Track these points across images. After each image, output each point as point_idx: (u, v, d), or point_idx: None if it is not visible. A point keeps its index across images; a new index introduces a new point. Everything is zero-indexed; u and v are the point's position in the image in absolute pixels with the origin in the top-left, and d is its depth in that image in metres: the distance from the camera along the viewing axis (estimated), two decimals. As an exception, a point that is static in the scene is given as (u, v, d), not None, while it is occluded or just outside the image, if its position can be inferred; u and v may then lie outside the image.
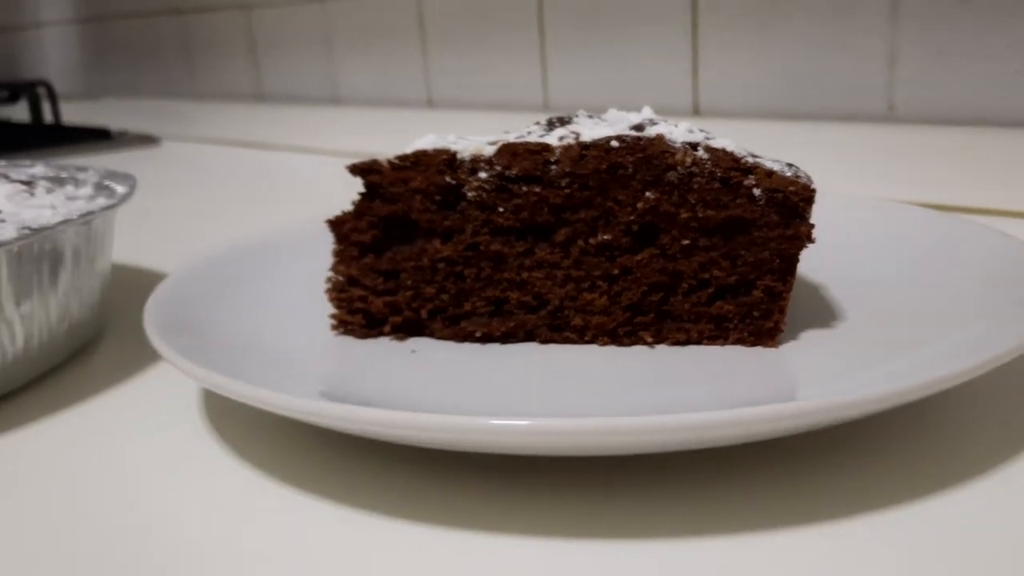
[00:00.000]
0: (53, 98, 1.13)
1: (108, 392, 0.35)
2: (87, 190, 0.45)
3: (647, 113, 0.36)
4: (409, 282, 0.35)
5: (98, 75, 1.39)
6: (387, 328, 0.35)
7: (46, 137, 1.09)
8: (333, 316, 0.36)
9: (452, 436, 0.23)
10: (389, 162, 0.34)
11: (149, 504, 0.27)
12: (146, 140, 1.11)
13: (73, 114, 1.21)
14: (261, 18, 1.07)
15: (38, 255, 0.35)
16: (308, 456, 0.28)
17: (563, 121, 0.37)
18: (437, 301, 0.35)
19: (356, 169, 0.34)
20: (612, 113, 0.37)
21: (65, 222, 0.35)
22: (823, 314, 0.35)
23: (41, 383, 0.36)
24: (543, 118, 0.39)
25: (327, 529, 0.24)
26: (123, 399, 0.34)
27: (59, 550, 0.24)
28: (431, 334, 0.35)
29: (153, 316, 0.32)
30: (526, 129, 0.36)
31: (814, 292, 0.37)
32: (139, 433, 0.31)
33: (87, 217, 0.37)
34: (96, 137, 1.09)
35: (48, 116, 1.13)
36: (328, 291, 0.36)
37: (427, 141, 0.35)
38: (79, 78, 1.41)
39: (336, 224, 0.35)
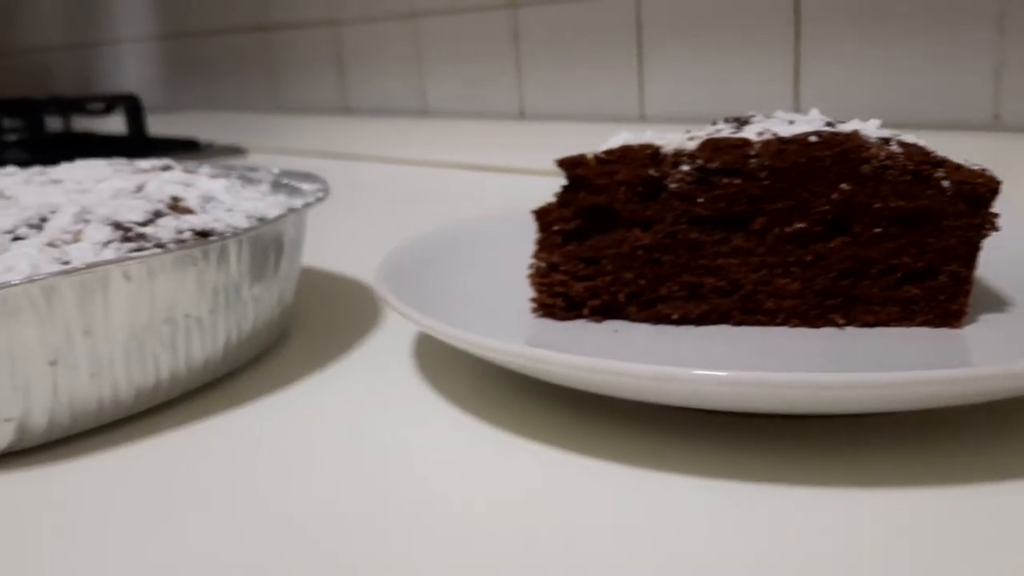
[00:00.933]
0: (140, 111, 1.17)
1: (320, 370, 0.38)
2: (264, 188, 0.48)
3: (815, 115, 0.39)
4: (609, 267, 0.38)
5: (176, 90, 1.43)
6: (585, 311, 0.38)
7: (140, 147, 1.12)
8: (533, 300, 0.39)
9: (679, 386, 0.27)
10: (595, 156, 0.37)
11: (395, 462, 0.29)
12: (233, 151, 1.15)
13: (155, 126, 1.25)
14: (349, 34, 1.11)
15: (267, 242, 0.38)
16: (548, 414, 0.31)
17: (741, 120, 0.39)
18: (635, 285, 0.38)
19: (563, 163, 0.37)
20: (780, 114, 0.40)
21: (291, 211, 0.38)
22: (1002, 298, 0.37)
23: (254, 364, 0.39)
24: (720, 120, 0.41)
25: (575, 478, 0.27)
26: (335, 374, 0.37)
27: (330, 511, 0.27)
28: (627, 317, 0.38)
29: (384, 280, 0.36)
30: (711, 129, 0.39)
31: (992, 278, 0.39)
32: (363, 401, 0.34)
33: (304, 208, 0.40)
34: (186, 148, 1.13)
35: (133, 128, 1.17)
36: (531, 276, 0.39)
37: (621, 139, 0.38)
38: (156, 92, 1.45)
39: (541, 214, 0.38)
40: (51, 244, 0.32)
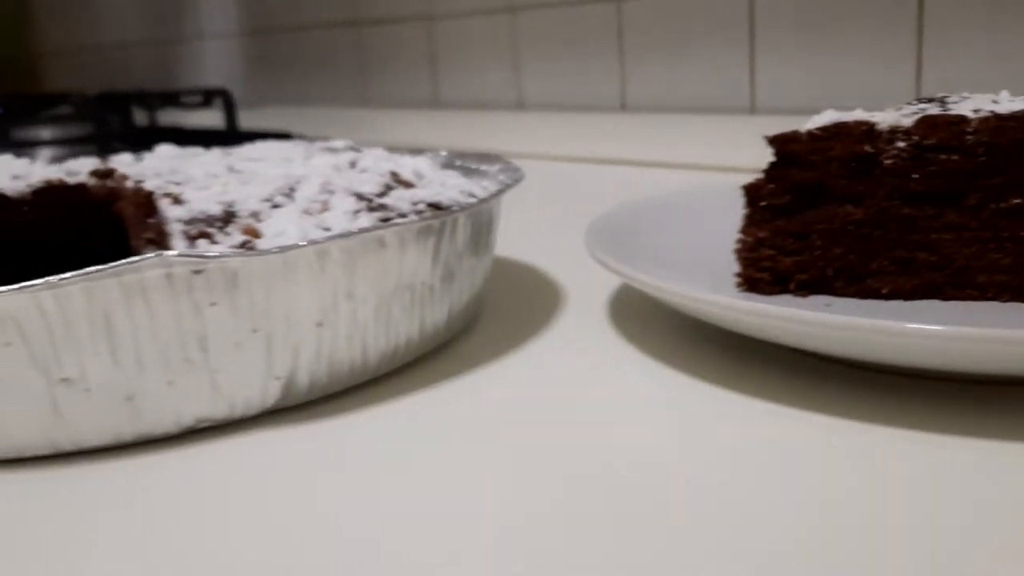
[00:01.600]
0: (234, 105, 1.19)
1: (523, 345, 0.39)
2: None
3: (1006, 96, 0.40)
4: (818, 243, 0.38)
5: (259, 84, 1.45)
6: (792, 285, 0.39)
7: (235, 141, 1.14)
8: (739, 274, 0.40)
9: (910, 340, 0.28)
10: (809, 133, 0.38)
11: (617, 431, 0.30)
12: (324, 144, 1.16)
13: (244, 120, 1.27)
14: (443, 28, 1.13)
15: (483, 217, 0.39)
16: (773, 377, 0.32)
17: (939, 100, 0.40)
18: (844, 260, 0.38)
19: (775, 140, 0.38)
20: (975, 96, 0.40)
21: (506, 187, 0.40)
22: None
23: (464, 335, 0.40)
24: (913, 99, 0.42)
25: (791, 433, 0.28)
26: (538, 349, 0.38)
27: (554, 475, 0.28)
28: (833, 292, 0.39)
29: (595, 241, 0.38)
30: (912, 108, 0.40)
31: None
32: (574, 365, 0.35)
33: (511, 185, 0.41)
34: (278, 140, 1.14)
35: (222, 122, 1.19)
36: (737, 251, 0.39)
37: (826, 117, 0.39)
38: (238, 87, 1.48)
39: (751, 189, 0.39)
40: (306, 212, 0.34)
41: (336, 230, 0.33)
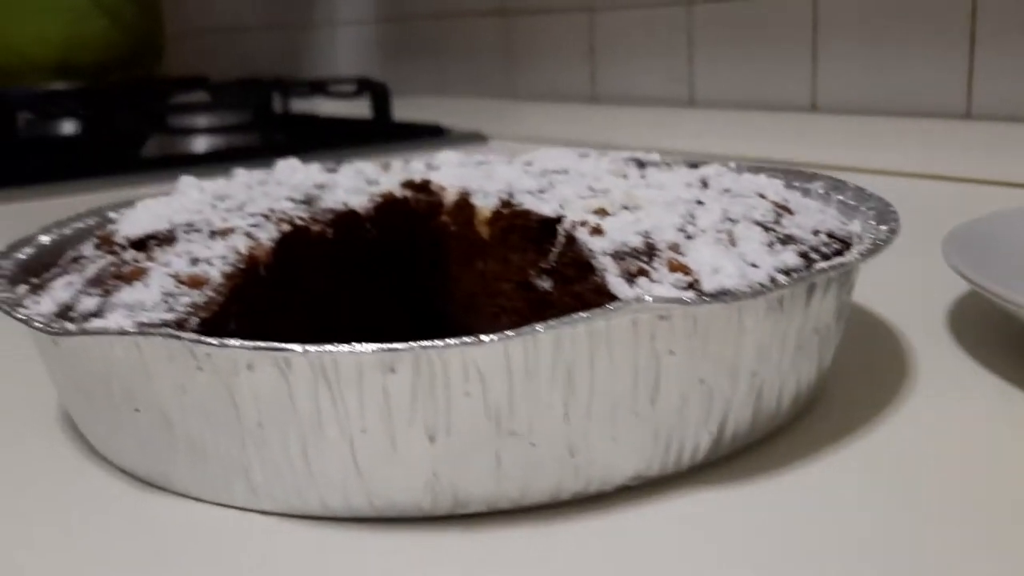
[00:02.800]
0: (388, 95, 1.16)
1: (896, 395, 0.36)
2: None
3: None
4: None
5: (399, 73, 1.43)
6: None
7: (384, 132, 1.12)
8: None
9: None
10: None
11: None
12: (474, 137, 1.13)
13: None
14: (603, 20, 1.09)
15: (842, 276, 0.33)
16: None
17: None
18: None
19: None
20: None
21: (891, 233, 0.34)
22: None
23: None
24: None
25: None
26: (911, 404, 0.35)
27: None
28: None
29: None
30: None
31: None
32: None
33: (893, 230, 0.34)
34: (430, 134, 1.12)
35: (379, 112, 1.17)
36: None
37: None
38: (375, 75, 1.46)
39: None
40: (719, 243, 0.31)
41: (763, 266, 0.30)
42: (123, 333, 0.26)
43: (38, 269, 0.37)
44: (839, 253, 0.32)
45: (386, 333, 0.37)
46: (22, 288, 0.33)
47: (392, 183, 0.43)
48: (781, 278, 0.29)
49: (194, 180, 0.42)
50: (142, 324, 0.28)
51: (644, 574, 0.24)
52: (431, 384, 0.25)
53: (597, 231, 0.30)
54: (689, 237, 0.31)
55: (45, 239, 0.39)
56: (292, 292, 0.33)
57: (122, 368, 0.27)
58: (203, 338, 0.25)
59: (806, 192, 0.43)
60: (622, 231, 0.30)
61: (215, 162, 0.97)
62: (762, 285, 0.27)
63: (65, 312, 0.30)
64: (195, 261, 0.30)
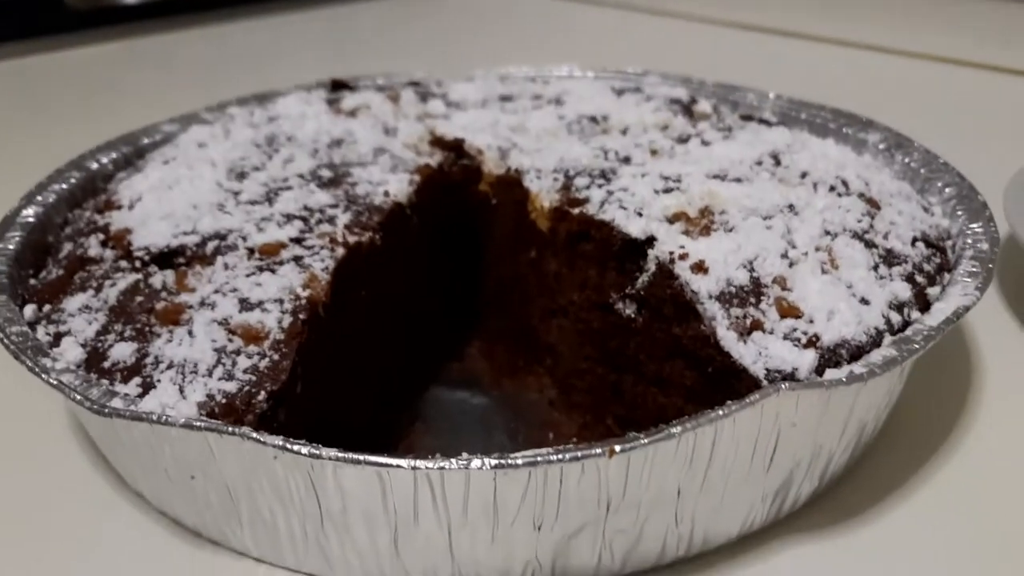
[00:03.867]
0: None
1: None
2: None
3: None
4: None
5: None
6: None
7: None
8: None
9: None
10: None
11: None
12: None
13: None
14: None
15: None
16: None
17: None
18: None
19: None
20: None
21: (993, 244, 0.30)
22: None
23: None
24: None
25: None
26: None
27: None
28: None
29: None
30: None
31: None
32: None
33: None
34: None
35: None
36: None
37: None
38: None
39: None
40: (823, 272, 0.28)
41: (875, 301, 0.27)
42: (191, 427, 0.22)
43: (34, 261, 0.32)
44: (941, 268, 0.30)
45: (421, 317, 0.34)
46: (29, 309, 0.29)
47: (413, 132, 0.38)
48: (895, 317, 0.27)
49: (195, 137, 0.37)
50: (208, 406, 0.24)
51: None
52: (544, 485, 0.23)
53: (700, 268, 0.27)
54: (792, 264, 0.28)
55: (29, 214, 0.34)
56: (347, 319, 0.29)
57: (179, 446, 0.24)
58: (290, 443, 0.22)
59: (861, 144, 0.39)
60: (724, 264, 0.27)
61: (154, 15, 0.88)
62: (887, 361, 0.25)
63: (95, 360, 0.26)
64: (244, 303, 0.26)
